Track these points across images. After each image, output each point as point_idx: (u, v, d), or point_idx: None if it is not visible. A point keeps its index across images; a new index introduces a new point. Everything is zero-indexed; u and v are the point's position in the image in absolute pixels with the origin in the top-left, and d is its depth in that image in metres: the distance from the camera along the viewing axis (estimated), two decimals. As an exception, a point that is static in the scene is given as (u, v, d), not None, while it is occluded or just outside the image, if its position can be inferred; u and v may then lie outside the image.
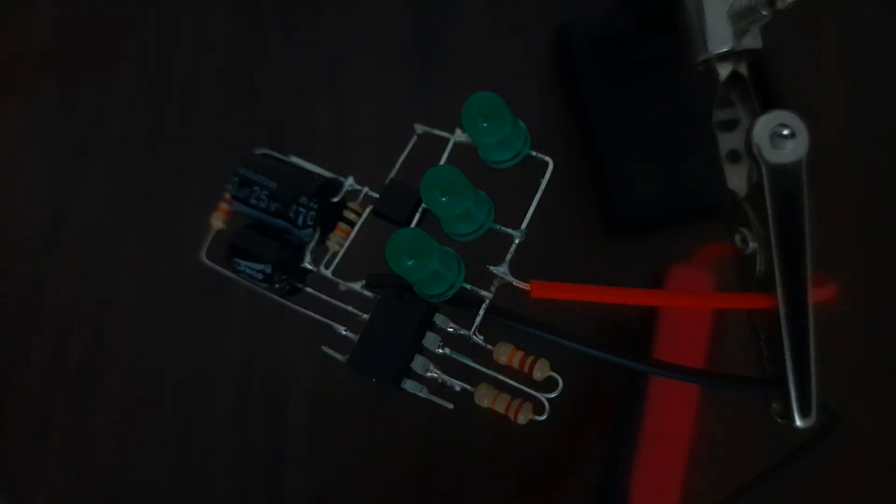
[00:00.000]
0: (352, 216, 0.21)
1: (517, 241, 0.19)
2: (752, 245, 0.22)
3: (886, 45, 0.42)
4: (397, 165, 0.21)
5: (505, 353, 0.18)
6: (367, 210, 0.21)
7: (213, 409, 0.38)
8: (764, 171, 0.20)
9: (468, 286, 0.19)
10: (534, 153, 0.19)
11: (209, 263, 0.22)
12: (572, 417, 0.37)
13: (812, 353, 0.20)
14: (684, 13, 0.23)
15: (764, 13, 0.20)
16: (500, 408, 0.18)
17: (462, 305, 0.19)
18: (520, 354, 0.18)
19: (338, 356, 0.19)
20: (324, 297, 0.21)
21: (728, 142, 0.23)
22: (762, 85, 0.23)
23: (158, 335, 0.39)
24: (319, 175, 0.21)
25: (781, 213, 0.20)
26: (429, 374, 0.19)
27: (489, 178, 0.20)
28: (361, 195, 0.21)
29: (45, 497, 0.38)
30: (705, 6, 0.22)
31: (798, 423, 0.21)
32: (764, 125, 0.20)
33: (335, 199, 0.21)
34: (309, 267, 0.21)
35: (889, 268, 0.39)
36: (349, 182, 0.21)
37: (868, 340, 0.38)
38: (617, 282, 0.19)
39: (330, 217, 0.21)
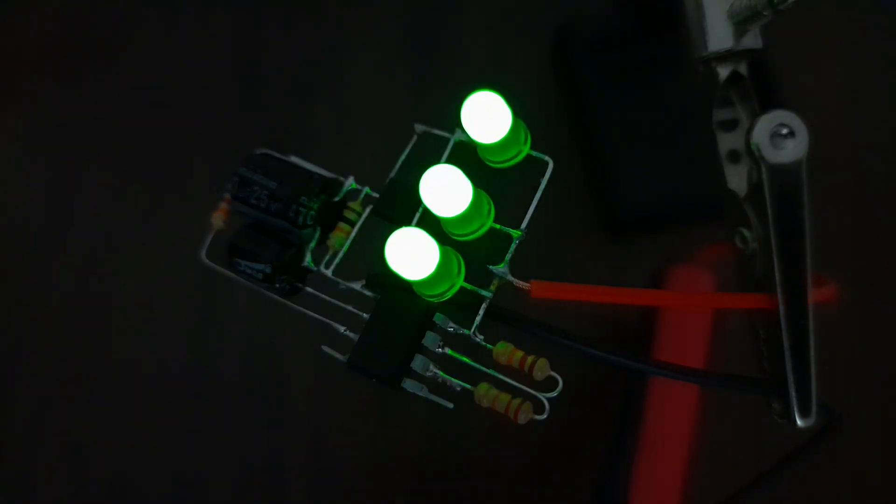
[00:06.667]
0: (352, 216, 0.21)
1: (517, 241, 0.19)
2: (752, 245, 0.22)
3: (886, 44, 0.42)
4: (397, 165, 0.21)
5: (505, 353, 0.18)
6: (367, 210, 0.21)
7: (213, 408, 0.38)
8: (764, 171, 0.20)
9: (468, 286, 0.19)
10: (534, 153, 0.19)
11: (209, 263, 0.22)
12: (572, 417, 0.37)
13: (812, 353, 0.20)
14: (684, 13, 0.23)
15: (764, 13, 0.20)
16: (500, 408, 0.18)
17: (462, 305, 0.19)
18: (520, 354, 0.18)
19: (338, 356, 0.19)
20: (324, 296, 0.21)
21: (728, 142, 0.23)
22: (762, 85, 0.23)
23: (158, 335, 0.39)
24: (319, 175, 0.21)
25: (781, 213, 0.20)
26: (429, 374, 0.19)
27: (489, 178, 0.20)
28: (361, 195, 0.21)
29: (45, 497, 0.38)
30: (705, 6, 0.22)
31: (798, 423, 0.21)
32: (764, 125, 0.20)
33: (335, 199, 0.21)
34: (309, 267, 0.21)
35: (889, 268, 0.39)
36: (349, 182, 0.21)
37: (868, 340, 0.38)
38: (617, 282, 0.19)
39: (330, 217, 0.21)
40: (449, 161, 0.20)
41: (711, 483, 0.27)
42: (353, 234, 0.21)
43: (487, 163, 0.20)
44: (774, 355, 0.21)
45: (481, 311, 0.18)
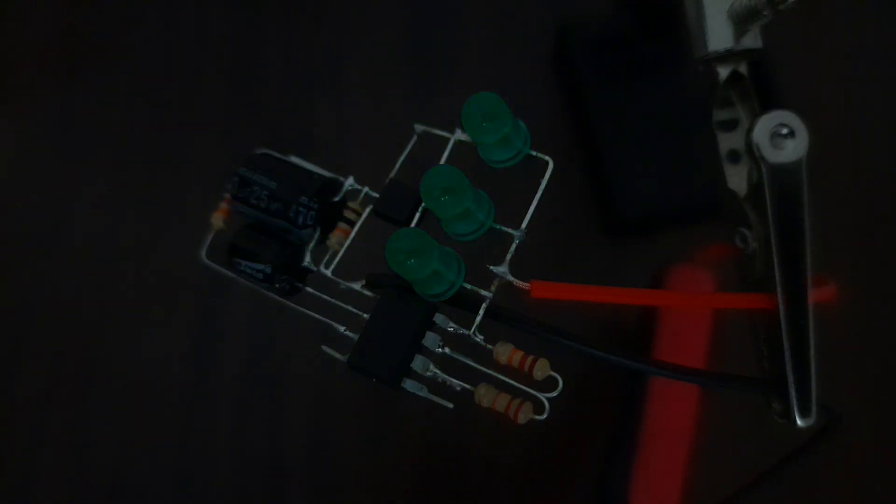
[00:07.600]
0: (352, 216, 0.21)
1: (517, 241, 0.19)
2: (752, 245, 0.22)
3: (886, 44, 0.42)
4: (397, 165, 0.21)
5: (505, 353, 0.18)
6: (367, 210, 0.21)
7: (213, 409, 0.38)
8: (764, 170, 0.20)
9: (468, 286, 0.19)
10: (534, 153, 0.19)
11: (209, 263, 0.22)
12: (572, 417, 0.37)
13: (812, 353, 0.20)
14: (684, 13, 0.23)
15: (764, 13, 0.20)
16: (500, 408, 0.18)
17: (462, 305, 0.19)
18: (520, 354, 0.18)
19: (338, 356, 0.19)
20: (324, 296, 0.21)
21: (728, 142, 0.23)
22: (762, 85, 0.23)
23: (158, 335, 0.39)
24: (319, 175, 0.21)
25: (781, 213, 0.20)
26: (429, 374, 0.19)
27: (489, 178, 0.20)
28: (361, 195, 0.21)
29: (45, 498, 0.38)
30: (705, 6, 0.22)
31: (798, 423, 0.21)
32: (764, 125, 0.20)
33: (335, 199, 0.21)
34: (309, 267, 0.21)
35: (889, 268, 0.39)
36: (349, 182, 0.21)
37: (868, 340, 0.38)
38: (617, 282, 0.19)
39: (330, 217, 0.21)
40: (449, 161, 0.20)
41: (711, 483, 0.27)
42: (353, 234, 0.21)
43: (487, 163, 0.20)
44: (774, 355, 0.21)
45: (481, 311, 0.18)
